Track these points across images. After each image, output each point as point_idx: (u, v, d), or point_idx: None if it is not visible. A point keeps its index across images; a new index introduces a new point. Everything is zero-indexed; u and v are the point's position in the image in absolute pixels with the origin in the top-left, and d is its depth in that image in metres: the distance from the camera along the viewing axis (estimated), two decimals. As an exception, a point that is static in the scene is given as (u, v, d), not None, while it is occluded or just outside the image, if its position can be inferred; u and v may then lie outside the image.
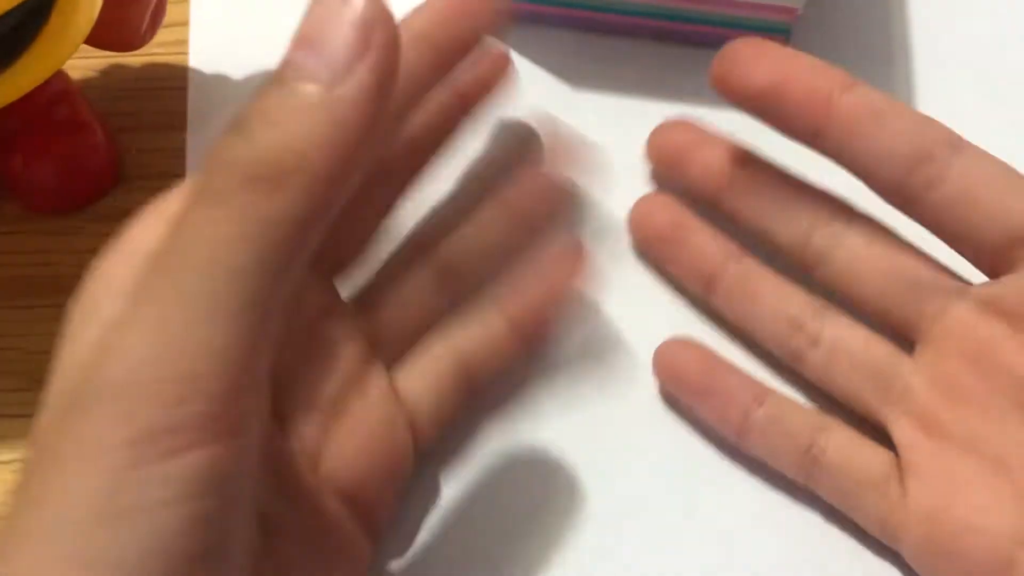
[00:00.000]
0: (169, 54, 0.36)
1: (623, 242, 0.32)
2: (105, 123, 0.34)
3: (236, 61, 0.35)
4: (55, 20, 0.28)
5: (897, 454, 0.28)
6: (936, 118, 0.28)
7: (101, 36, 0.31)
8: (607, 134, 0.32)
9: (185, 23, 0.36)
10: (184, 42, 0.36)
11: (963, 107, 0.32)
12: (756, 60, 0.28)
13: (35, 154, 0.32)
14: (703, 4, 0.33)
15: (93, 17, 0.29)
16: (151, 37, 0.33)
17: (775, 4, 0.32)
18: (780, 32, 0.34)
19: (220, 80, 0.35)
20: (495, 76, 0.29)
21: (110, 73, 0.35)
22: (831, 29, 0.36)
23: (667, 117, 0.32)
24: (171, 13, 0.34)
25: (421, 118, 0.28)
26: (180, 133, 0.34)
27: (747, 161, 0.30)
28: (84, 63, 0.35)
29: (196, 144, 0.34)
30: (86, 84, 0.35)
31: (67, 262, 0.32)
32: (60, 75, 0.32)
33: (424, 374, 0.28)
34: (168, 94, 0.35)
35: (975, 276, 0.28)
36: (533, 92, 0.33)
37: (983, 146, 0.27)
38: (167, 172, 0.34)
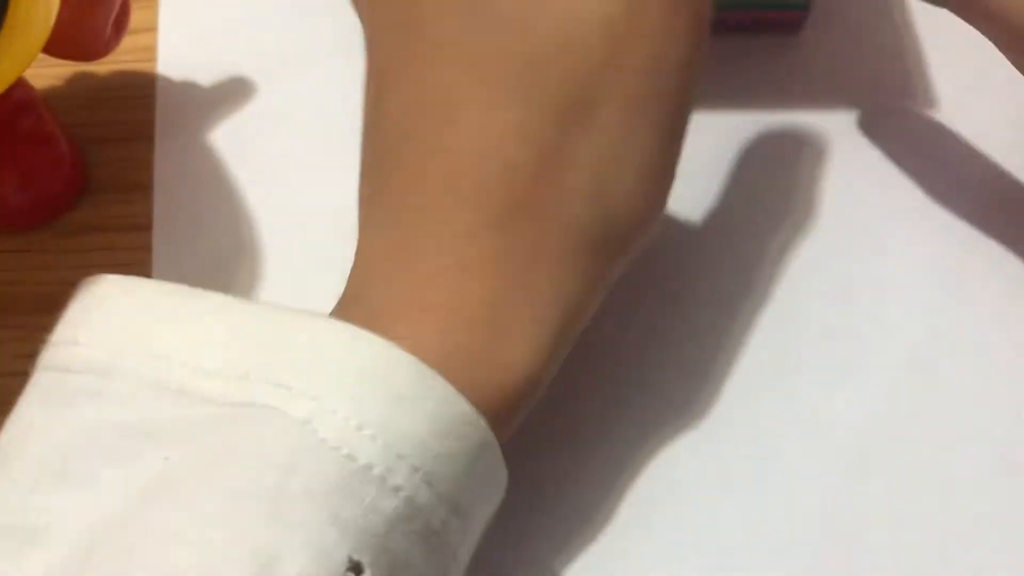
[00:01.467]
0: (137, 61, 0.35)
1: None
2: (70, 134, 0.33)
3: (205, 68, 0.34)
4: (8, 30, 0.27)
5: None
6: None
7: (63, 46, 0.30)
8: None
9: (153, 29, 0.35)
10: (152, 48, 0.35)
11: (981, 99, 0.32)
12: None
13: (-3, 168, 0.31)
14: None
15: (49, 25, 0.28)
16: (116, 45, 0.32)
17: None
18: (799, 7, 0.33)
19: (189, 87, 0.34)
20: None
21: (76, 82, 0.35)
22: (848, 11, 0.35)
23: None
24: (138, 19, 0.33)
25: None
26: (148, 143, 0.33)
27: None
28: (49, 72, 0.34)
29: (164, 153, 0.33)
30: (51, 94, 0.34)
31: (32, 280, 0.31)
32: (22, 85, 0.31)
33: None
34: (135, 103, 0.34)
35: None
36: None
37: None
38: (135, 184, 0.33)
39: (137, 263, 0.31)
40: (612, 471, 0.29)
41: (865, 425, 0.30)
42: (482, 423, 0.22)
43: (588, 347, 0.28)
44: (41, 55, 0.28)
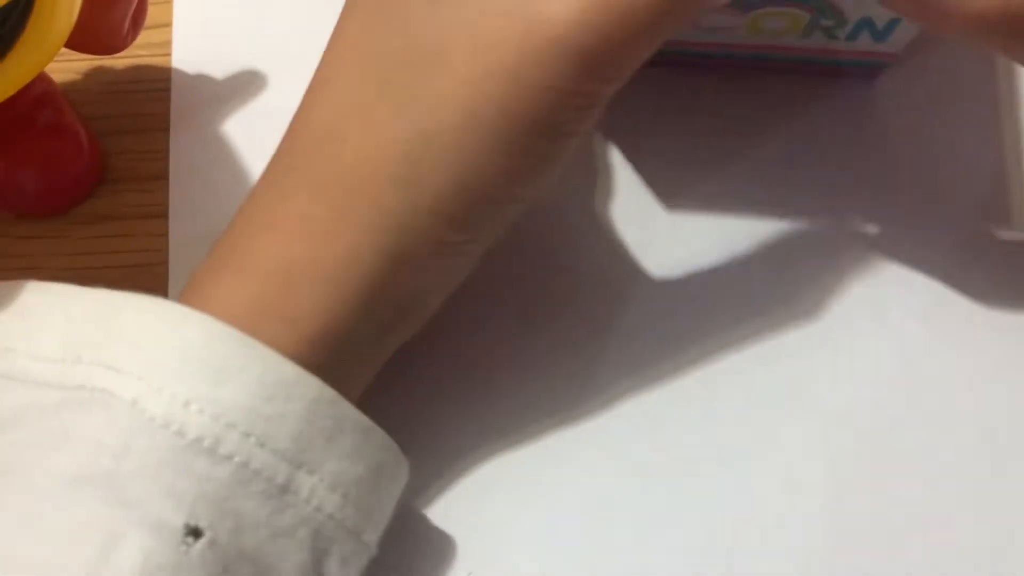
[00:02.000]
0: (152, 56, 0.36)
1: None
2: (88, 126, 0.33)
3: (218, 62, 0.35)
4: (34, 24, 0.27)
5: None
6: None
7: (83, 40, 0.31)
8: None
9: (168, 24, 0.36)
10: (167, 43, 0.36)
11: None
12: None
13: (18, 158, 0.32)
14: (804, 51, 0.32)
15: (72, 21, 0.28)
16: (133, 39, 0.33)
17: (877, 51, 0.32)
18: (876, 66, 0.33)
19: (202, 81, 0.35)
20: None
21: (93, 75, 0.35)
22: (928, 69, 0.34)
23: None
24: (154, 15, 0.34)
25: None
26: (163, 135, 0.34)
27: None
28: (67, 65, 0.35)
29: (179, 144, 0.34)
30: (69, 86, 0.35)
31: (52, 266, 0.32)
32: (43, 78, 0.32)
33: None
34: (151, 96, 0.35)
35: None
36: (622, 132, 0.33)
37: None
38: (151, 174, 0.34)
39: (153, 250, 0.32)
40: (600, 452, 0.30)
41: (857, 410, 0.31)
42: (312, 380, 0.23)
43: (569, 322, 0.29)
44: (61, 49, 0.29)
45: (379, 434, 0.25)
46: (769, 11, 0.30)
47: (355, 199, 0.25)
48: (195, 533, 0.22)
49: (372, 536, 0.25)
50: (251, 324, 0.24)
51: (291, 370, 0.23)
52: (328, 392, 0.24)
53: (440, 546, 0.29)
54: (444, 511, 0.29)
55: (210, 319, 0.23)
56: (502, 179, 0.25)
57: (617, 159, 0.33)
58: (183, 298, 0.25)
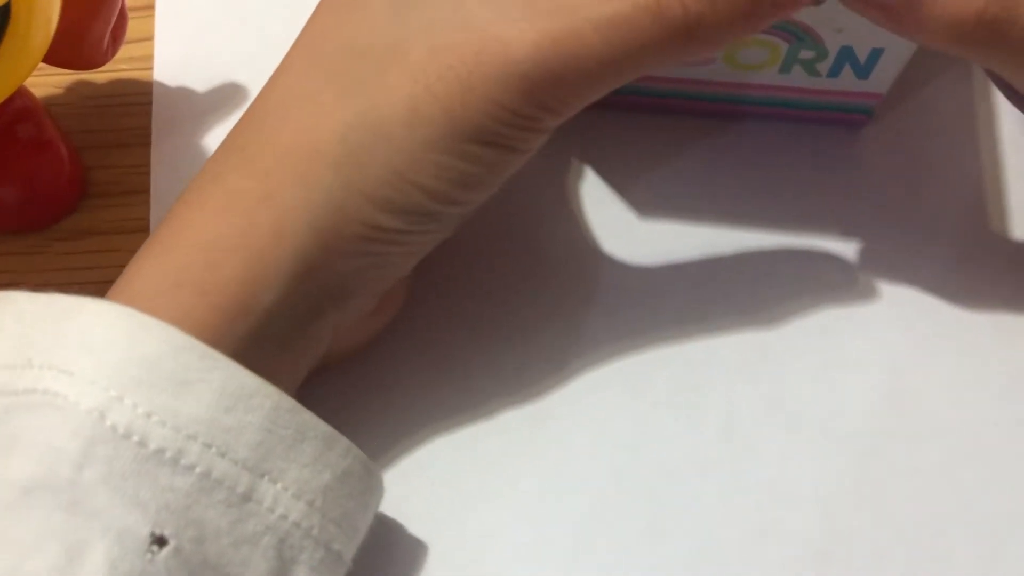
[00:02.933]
0: (133, 70, 0.36)
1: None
2: (70, 140, 0.33)
3: (200, 75, 0.35)
4: (10, 40, 0.27)
5: None
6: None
7: (62, 55, 0.31)
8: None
9: (149, 38, 0.36)
10: (149, 57, 0.36)
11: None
12: None
13: (-1, 174, 0.32)
14: (785, 90, 0.32)
15: (49, 36, 0.28)
16: (113, 54, 0.33)
17: (860, 90, 0.32)
18: (863, 112, 0.33)
19: (184, 94, 0.35)
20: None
21: (74, 90, 0.35)
22: (913, 109, 0.34)
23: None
24: (135, 28, 0.34)
25: None
26: (145, 149, 0.34)
27: None
28: (48, 80, 0.35)
29: (161, 158, 0.34)
30: (50, 101, 0.35)
31: (33, 281, 0.32)
32: (23, 92, 0.32)
33: None
34: (133, 110, 0.35)
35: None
36: (610, 177, 0.33)
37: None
38: (132, 188, 0.34)
39: (135, 265, 0.32)
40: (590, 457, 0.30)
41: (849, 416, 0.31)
42: (270, 390, 0.23)
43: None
44: (41, 64, 0.29)
45: (342, 442, 0.25)
46: (744, 39, 0.30)
47: (287, 175, 0.25)
48: (160, 542, 0.22)
49: (343, 546, 0.25)
50: (167, 296, 0.24)
51: (251, 380, 0.23)
52: (287, 401, 0.24)
53: (420, 558, 0.29)
54: (423, 522, 0.29)
55: (172, 328, 0.23)
56: (439, 177, 0.25)
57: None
58: (117, 283, 0.25)
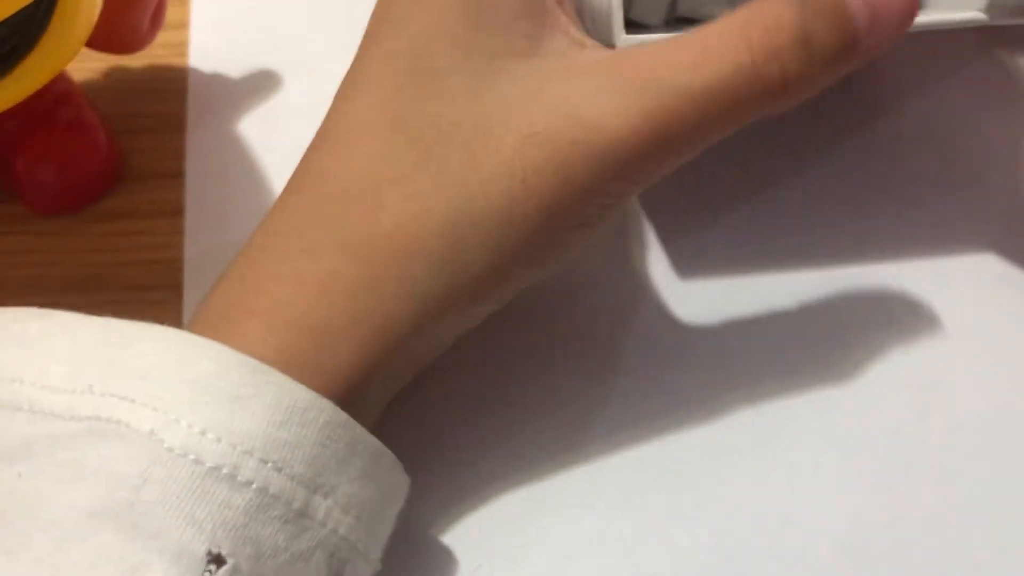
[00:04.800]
0: (171, 56, 0.36)
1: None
2: (107, 124, 0.34)
3: (235, 62, 0.35)
4: (56, 24, 0.28)
5: None
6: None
7: (103, 39, 0.31)
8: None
9: (186, 25, 0.37)
10: (184, 44, 0.36)
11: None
12: None
13: (38, 156, 0.33)
14: None
15: (93, 20, 0.29)
16: (152, 39, 0.33)
17: None
18: None
19: (219, 81, 0.35)
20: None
21: (112, 75, 0.36)
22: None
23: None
24: (172, 15, 0.35)
25: None
26: (180, 133, 0.35)
27: None
28: (87, 65, 0.36)
29: (195, 144, 0.34)
30: (89, 86, 0.36)
31: (70, 262, 0.33)
32: (63, 77, 0.33)
33: None
34: (169, 95, 0.35)
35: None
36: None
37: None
38: (168, 172, 0.34)
39: (170, 247, 0.33)
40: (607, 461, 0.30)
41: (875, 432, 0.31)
42: (325, 404, 0.23)
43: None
44: (82, 48, 0.29)
45: (388, 456, 0.25)
46: None
47: (389, 267, 0.25)
48: (217, 561, 0.22)
49: (377, 555, 0.25)
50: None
51: (304, 395, 0.23)
52: (340, 415, 0.24)
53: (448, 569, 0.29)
54: (453, 536, 0.29)
55: (222, 347, 0.23)
56: (528, 265, 0.26)
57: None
58: (197, 331, 0.25)
